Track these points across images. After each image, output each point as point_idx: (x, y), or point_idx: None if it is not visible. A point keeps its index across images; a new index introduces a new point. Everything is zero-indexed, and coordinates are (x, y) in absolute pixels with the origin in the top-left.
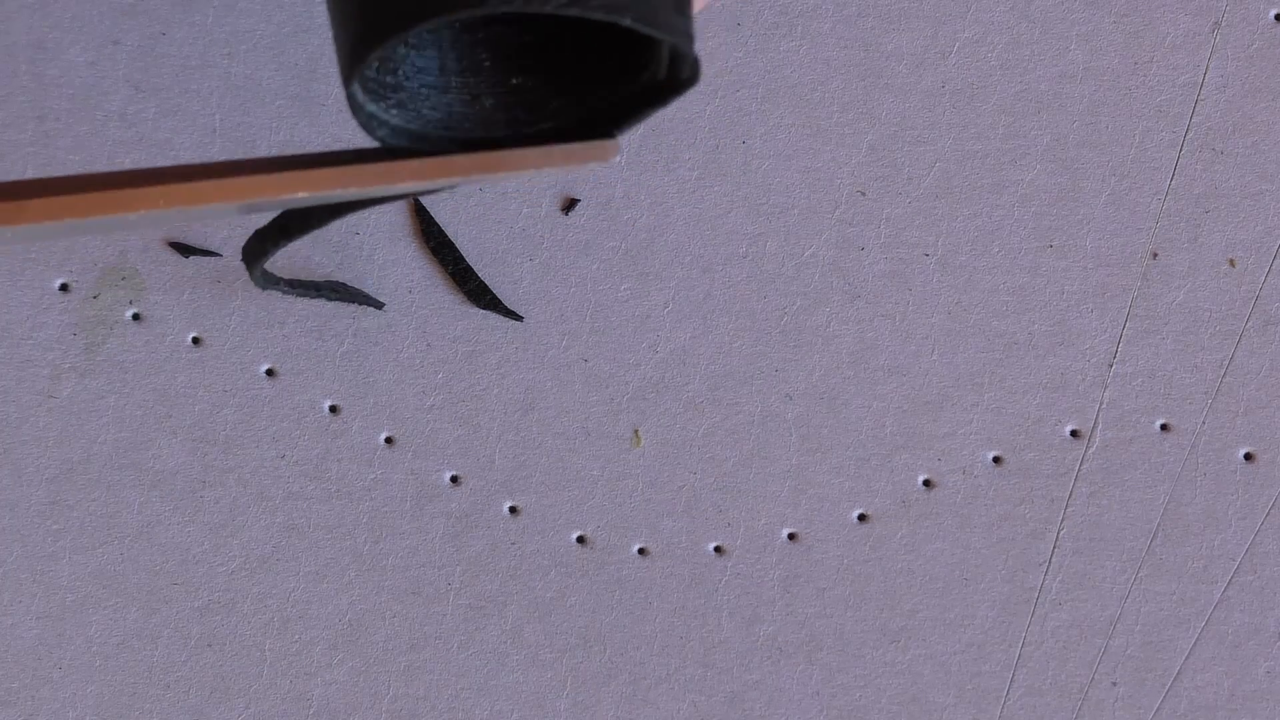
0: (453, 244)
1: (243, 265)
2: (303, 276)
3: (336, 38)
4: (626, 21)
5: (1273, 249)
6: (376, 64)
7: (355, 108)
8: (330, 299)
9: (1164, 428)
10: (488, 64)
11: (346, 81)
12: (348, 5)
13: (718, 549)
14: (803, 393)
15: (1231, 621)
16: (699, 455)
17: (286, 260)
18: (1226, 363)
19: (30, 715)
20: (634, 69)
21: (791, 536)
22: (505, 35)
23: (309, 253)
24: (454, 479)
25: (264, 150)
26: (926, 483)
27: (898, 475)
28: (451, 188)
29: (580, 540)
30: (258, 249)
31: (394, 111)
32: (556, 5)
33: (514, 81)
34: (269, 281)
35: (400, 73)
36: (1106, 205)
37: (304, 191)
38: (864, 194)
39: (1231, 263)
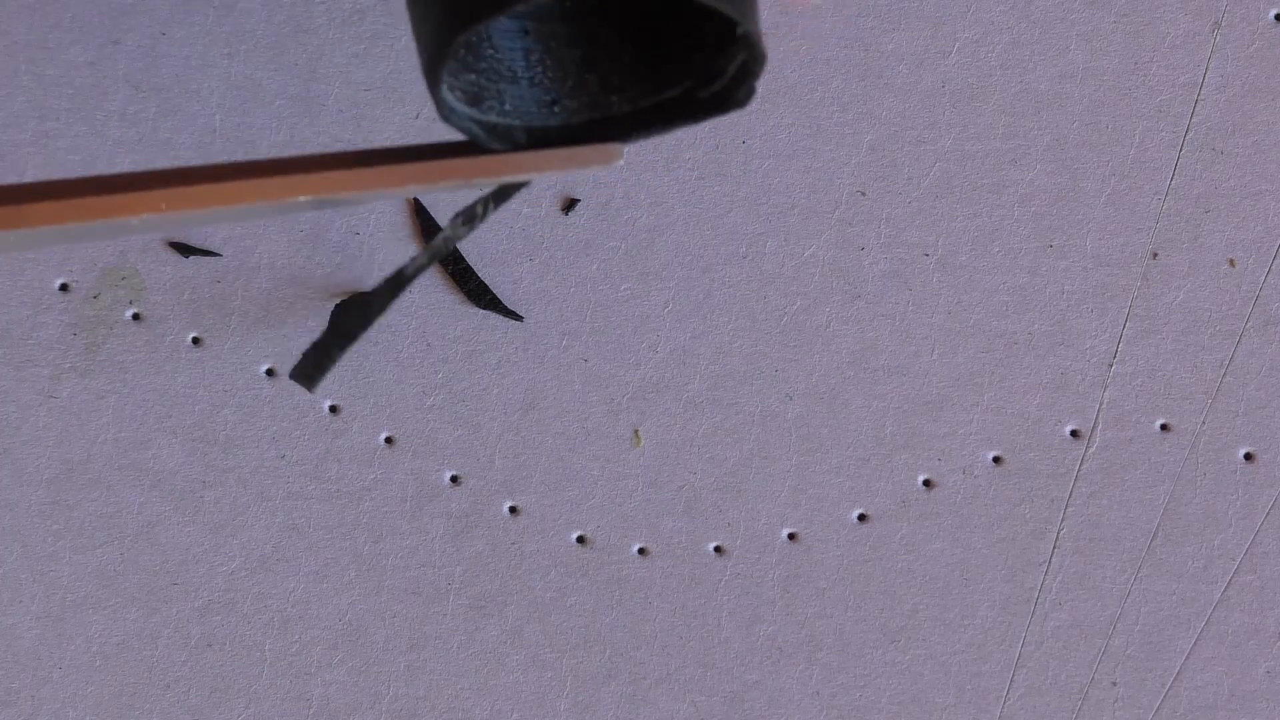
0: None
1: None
2: (309, 275)
3: (418, 33)
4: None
5: (1273, 249)
6: (459, 56)
7: (438, 101)
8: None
9: (1164, 428)
10: (559, 56)
11: (432, 76)
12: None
13: (718, 549)
14: (803, 393)
15: (1231, 621)
16: (699, 455)
17: (286, 270)
18: (1226, 363)
19: (30, 715)
20: (705, 73)
21: (791, 536)
22: (575, 30)
23: (309, 253)
24: (454, 479)
25: (264, 150)
26: (926, 483)
27: (898, 475)
28: (454, 190)
29: (580, 540)
30: (320, 361)
31: (472, 105)
32: None
33: (585, 76)
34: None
35: (479, 65)
36: (1106, 205)
37: (306, 194)
38: (864, 194)
39: (1231, 263)
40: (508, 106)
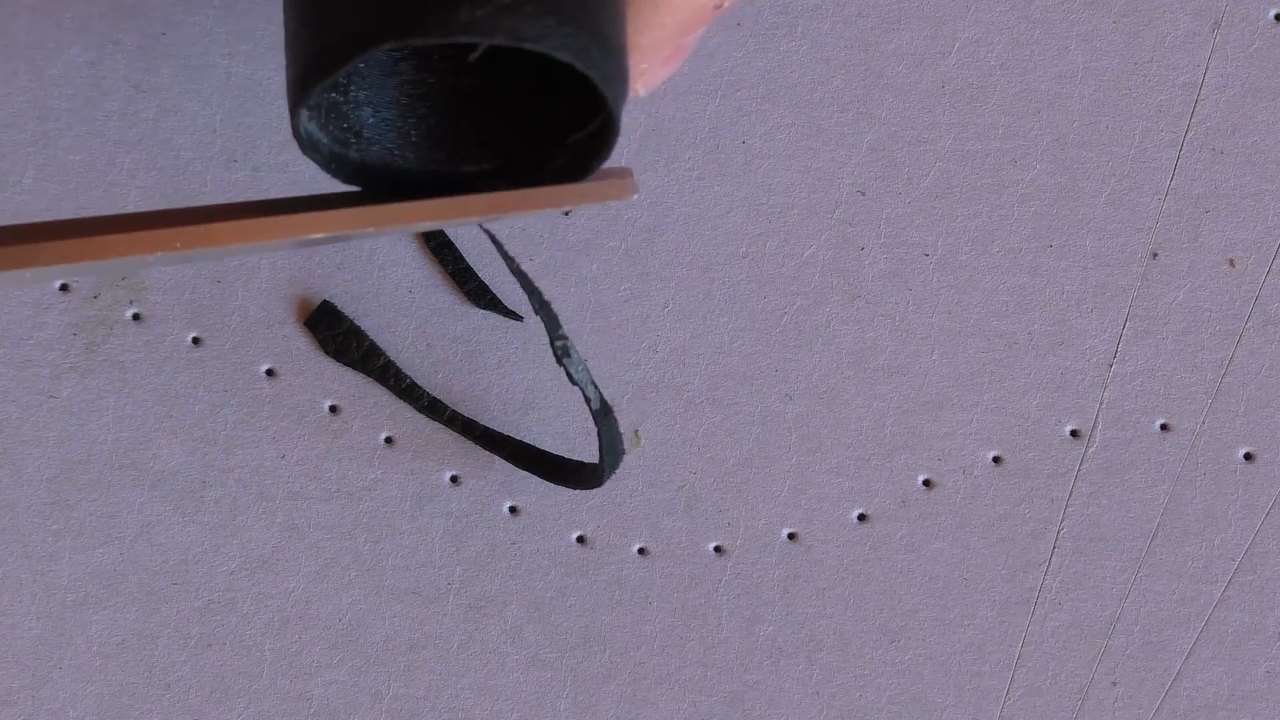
0: (453, 244)
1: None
2: (309, 275)
3: (288, 58)
4: (544, 49)
5: (1273, 249)
6: (327, 89)
7: (297, 131)
8: None
9: (1164, 428)
10: (425, 100)
11: (294, 107)
12: (300, 28)
13: (718, 549)
14: (803, 393)
15: (1231, 621)
16: (699, 455)
17: (286, 270)
18: (1226, 363)
19: (30, 715)
20: (564, 128)
21: (791, 536)
22: (443, 72)
23: (309, 253)
24: (454, 479)
25: (264, 150)
26: (926, 483)
27: (898, 475)
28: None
29: (580, 540)
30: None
31: (334, 140)
32: (497, 34)
33: (456, 119)
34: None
35: (345, 102)
36: (1106, 205)
37: (321, 232)
38: (864, 194)
39: (1231, 263)
40: (364, 143)
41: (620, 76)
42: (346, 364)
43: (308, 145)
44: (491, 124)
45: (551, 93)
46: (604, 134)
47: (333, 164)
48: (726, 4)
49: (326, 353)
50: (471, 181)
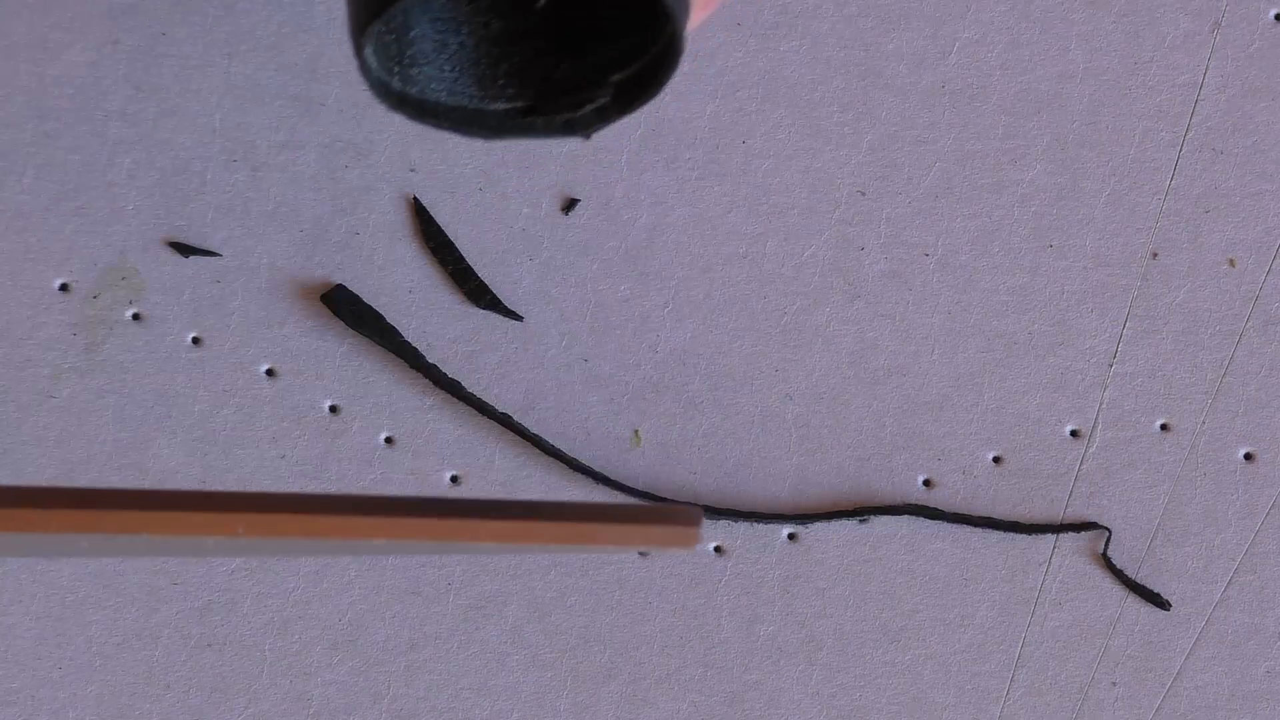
0: (453, 244)
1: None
2: (309, 275)
3: (347, 5)
4: None
5: (1273, 249)
6: (385, 28)
7: (365, 71)
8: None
9: (1164, 428)
10: (487, 36)
11: (358, 44)
12: None
13: (718, 549)
14: (803, 393)
15: (1231, 621)
16: (699, 455)
17: (286, 271)
18: (1226, 363)
19: (30, 715)
20: (624, 58)
21: (791, 537)
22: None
23: (309, 253)
24: (454, 479)
25: (264, 150)
26: (926, 483)
27: (898, 475)
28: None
29: None
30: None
31: (399, 79)
32: None
33: (513, 54)
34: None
35: (407, 39)
36: (1106, 205)
37: (384, 538)
38: (864, 194)
39: (1231, 263)
40: (441, 88)
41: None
42: (365, 335)
43: (364, 69)
44: (521, 64)
45: (588, 35)
46: (667, 55)
47: (378, 91)
48: None
49: (346, 323)
50: (502, 119)
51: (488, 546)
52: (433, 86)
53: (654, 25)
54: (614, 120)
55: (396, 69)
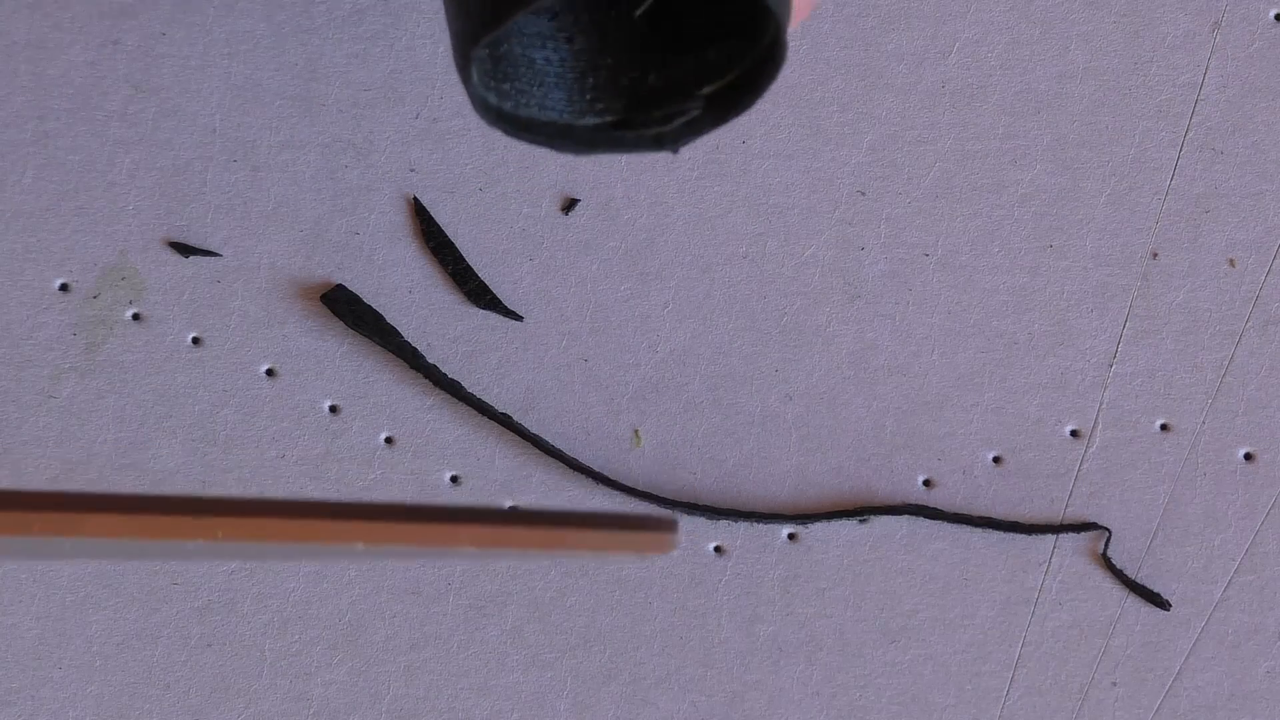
0: (453, 244)
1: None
2: (309, 275)
3: (451, 25)
4: None
5: (1273, 249)
6: (488, 51)
7: (471, 94)
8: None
9: (1164, 428)
10: (572, 51)
11: (464, 61)
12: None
13: (718, 549)
14: (803, 393)
15: (1231, 621)
16: (699, 455)
17: (286, 270)
18: (1226, 363)
19: (30, 715)
20: (721, 65)
21: (791, 537)
22: (602, 25)
23: (309, 253)
24: (454, 479)
25: (264, 150)
26: (926, 483)
27: (898, 475)
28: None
29: None
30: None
31: (494, 94)
32: None
33: (608, 62)
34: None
35: (499, 54)
36: (1106, 205)
37: (362, 543)
38: (864, 194)
39: (1231, 263)
40: (533, 103)
41: (787, 3)
42: (365, 335)
43: (468, 85)
44: (608, 79)
45: (673, 47)
46: (769, 62)
47: (480, 107)
48: None
49: (346, 323)
50: (593, 133)
51: (466, 552)
52: (524, 101)
53: (753, 30)
54: (706, 132)
55: (492, 84)
